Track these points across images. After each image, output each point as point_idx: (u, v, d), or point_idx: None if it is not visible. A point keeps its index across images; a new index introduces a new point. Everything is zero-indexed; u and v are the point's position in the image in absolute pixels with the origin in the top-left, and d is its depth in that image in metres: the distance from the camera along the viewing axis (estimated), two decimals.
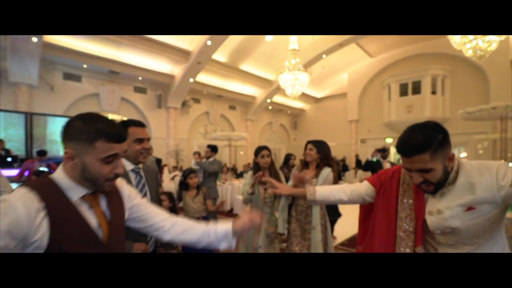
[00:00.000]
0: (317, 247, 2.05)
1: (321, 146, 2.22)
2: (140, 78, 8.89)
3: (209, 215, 2.81)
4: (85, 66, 7.62)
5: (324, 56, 10.04)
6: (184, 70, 8.89)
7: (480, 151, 9.02)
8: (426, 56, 10.70)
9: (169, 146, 10.05)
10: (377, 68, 12.17)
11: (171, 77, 9.36)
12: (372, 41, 10.62)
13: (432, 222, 0.94)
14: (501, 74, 9.15)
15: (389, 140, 11.58)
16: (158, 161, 4.31)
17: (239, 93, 11.77)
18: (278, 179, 2.13)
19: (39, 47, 6.17)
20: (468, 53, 5.03)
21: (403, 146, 0.90)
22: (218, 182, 7.00)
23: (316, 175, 2.16)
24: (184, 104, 10.52)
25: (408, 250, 0.98)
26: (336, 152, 12.84)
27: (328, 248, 2.13)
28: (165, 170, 7.68)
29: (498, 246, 0.94)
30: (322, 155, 2.18)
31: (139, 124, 1.27)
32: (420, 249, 0.97)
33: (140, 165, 1.32)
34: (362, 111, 13.04)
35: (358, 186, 1.19)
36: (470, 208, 0.87)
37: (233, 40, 8.94)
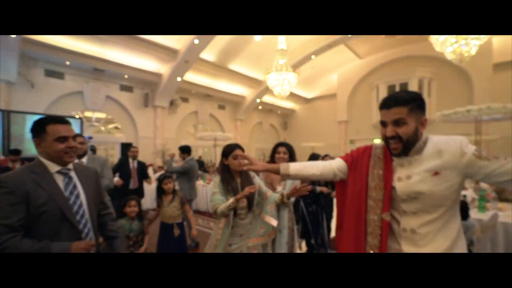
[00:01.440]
0: (281, 250, 2.01)
1: (291, 150, 2.19)
2: (126, 76, 8.72)
3: (184, 221, 2.73)
4: (68, 63, 7.42)
5: (313, 56, 10.06)
6: (171, 69, 8.76)
7: None
8: (413, 59, 10.84)
9: (156, 146, 9.90)
10: (366, 69, 12.27)
11: (158, 75, 9.22)
12: (361, 43, 10.68)
13: (401, 187, 1.00)
14: (484, 77, 9.38)
15: (377, 141, 11.66)
16: (140, 163, 4.21)
17: (228, 93, 11.68)
18: (250, 184, 1.80)
19: (18, 42, 5.97)
20: (449, 56, 5.10)
21: (388, 99, 1.00)
22: (202, 183, 6.95)
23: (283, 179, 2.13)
24: (172, 103, 10.38)
25: (376, 218, 1.04)
26: (325, 153, 12.89)
27: (293, 251, 2.09)
28: (150, 170, 7.55)
29: (455, 222, 1.00)
30: (292, 159, 2.15)
31: (60, 121, 1.15)
32: (386, 216, 1.03)
33: (70, 166, 1.23)
34: (351, 112, 13.12)
35: (331, 162, 1.24)
36: (436, 173, 0.95)
37: (221, 39, 8.87)
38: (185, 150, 4.09)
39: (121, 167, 3.94)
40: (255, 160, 1.28)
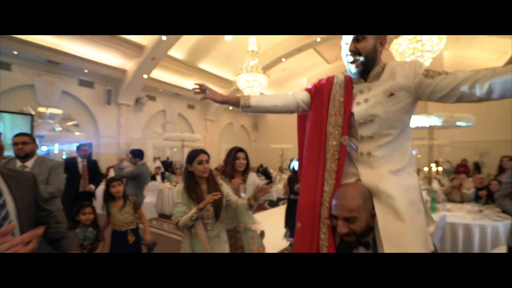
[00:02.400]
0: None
1: (247, 154, 2.20)
2: (86, 70, 8.11)
3: (138, 228, 2.57)
4: (15, 52, 6.70)
5: (283, 59, 10.20)
6: (137, 65, 8.34)
7: (419, 156, 9.97)
8: None
9: (120, 146, 9.35)
10: (334, 74, 12.75)
11: (122, 71, 8.72)
12: (329, 48, 11.06)
13: (359, 111, 1.04)
14: None
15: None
16: (92, 162, 3.89)
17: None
18: (217, 192, 1.70)
19: None
20: None
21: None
22: (169, 185, 6.70)
23: (244, 181, 2.12)
24: (137, 101, 9.89)
25: (335, 143, 1.07)
26: (295, 155, 13.15)
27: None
28: (111, 172, 7.08)
29: (407, 145, 1.06)
30: (248, 162, 2.16)
31: None
32: (344, 140, 1.06)
33: None
34: None
35: (294, 93, 1.21)
36: (391, 94, 0.98)
37: (191, 37, 8.65)
38: (137, 154, 3.81)
39: (68, 168, 3.49)
40: (213, 90, 1.22)
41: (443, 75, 0.90)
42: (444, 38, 5.08)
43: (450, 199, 3.93)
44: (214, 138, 13.52)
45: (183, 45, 8.85)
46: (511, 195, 1.76)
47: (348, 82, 1.11)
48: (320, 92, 1.17)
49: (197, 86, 1.23)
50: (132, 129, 9.85)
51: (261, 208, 7.28)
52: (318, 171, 1.08)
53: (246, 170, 2.17)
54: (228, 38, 9.05)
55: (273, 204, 7.78)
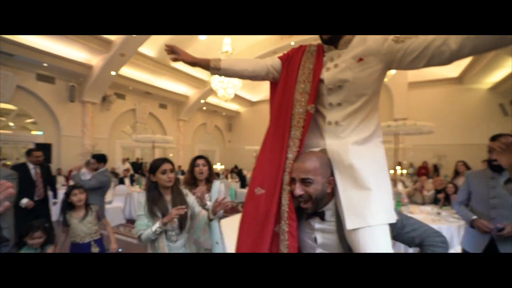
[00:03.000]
0: None
1: (209, 161, 2.16)
2: (45, 64, 7.48)
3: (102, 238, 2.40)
4: None
5: None
6: (104, 61, 7.86)
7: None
8: None
9: (84, 146, 8.76)
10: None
11: (88, 67, 8.17)
12: None
13: (328, 76, 1.03)
14: (401, 93, 10.96)
15: None
16: (45, 167, 3.58)
17: (170, 91, 11.07)
18: (182, 203, 1.67)
19: None
20: None
21: None
22: (139, 189, 6.40)
23: (209, 190, 2.08)
24: (104, 99, 9.35)
25: (301, 110, 1.05)
26: None
27: None
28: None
29: (374, 115, 1.05)
30: (210, 170, 2.12)
31: None
32: (311, 108, 1.05)
33: None
34: None
35: (266, 59, 1.20)
36: (360, 59, 0.97)
37: (163, 35, 8.35)
38: (102, 159, 3.58)
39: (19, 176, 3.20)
40: (182, 50, 1.16)
41: (413, 38, 0.89)
42: None
43: (412, 201, 4.18)
44: (187, 139, 13.21)
45: (155, 42, 8.53)
46: (465, 202, 1.90)
47: (320, 51, 1.11)
48: (291, 59, 1.15)
49: (168, 48, 1.17)
50: (99, 128, 9.29)
51: (234, 210, 7.24)
52: (284, 139, 1.07)
53: (209, 178, 2.13)
54: (202, 37, 8.88)
55: None
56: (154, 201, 1.64)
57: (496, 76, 9.42)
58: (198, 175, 2.08)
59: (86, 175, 3.49)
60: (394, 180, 5.49)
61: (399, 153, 7.54)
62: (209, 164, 2.13)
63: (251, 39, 9.57)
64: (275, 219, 1.03)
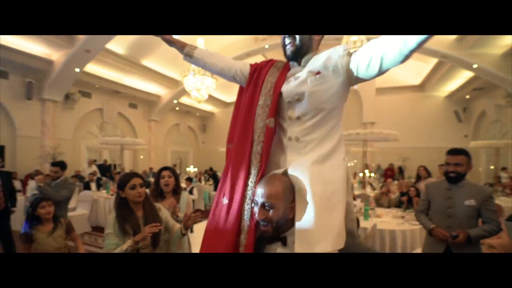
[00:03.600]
0: None
1: (175, 173, 2.13)
2: None
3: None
4: None
5: None
6: (67, 57, 7.32)
7: (355, 160, 11.08)
8: None
9: (44, 148, 8.11)
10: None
11: (47, 62, 7.56)
12: (277, 54, 11.42)
13: (286, 89, 1.05)
14: (369, 99, 11.55)
15: None
16: (6, 175, 3.27)
17: (140, 91, 10.62)
18: (155, 219, 1.60)
19: None
20: None
21: None
22: (106, 194, 6.05)
23: (177, 201, 2.06)
24: (67, 97, 8.73)
25: (261, 124, 1.07)
26: None
27: None
28: (31, 184, 6.01)
29: (336, 132, 1.06)
30: (177, 181, 2.10)
31: None
32: (269, 121, 1.06)
33: None
34: None
35: (237, 62, 1.24)
36: (318, 73, 0.99)
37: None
38: (63, 166, 3.33)
39: None
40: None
41: (363, 47, 0.92)
42: None
43: (379, 204, 4.40)
44: (159, 140, 12.77)
45: (124, 39, 8.12)
46: (426, 211, 2.04)
47: (286, 67, 1.15)
48: (259, 71, 1.17)
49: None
50: (61, 128, 8.65)
51: (208, 214, 7.13)
52: (246, 153, 1.08)
53: (177, 189, 2.11)
54: (175, 36, 8.62)
55: None
56: (124, 219, 1.56)
57: (451, 85, 10.27)
58: (164, 187, 2.05)
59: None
60: (363, 183, 5.75)
61: (368, 155, 7.91)
62: (175, 175, 2.10)
63: (225, 41, 9.49)
64: (237, 230, 1.04)
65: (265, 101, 1.08)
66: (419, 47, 0.78)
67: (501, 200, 5.14)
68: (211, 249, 1.08)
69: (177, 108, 13.26)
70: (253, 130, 1.08)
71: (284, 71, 1.13)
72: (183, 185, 7.06)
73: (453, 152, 1.89)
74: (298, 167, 1.00)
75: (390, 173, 9.71)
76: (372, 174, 8.48)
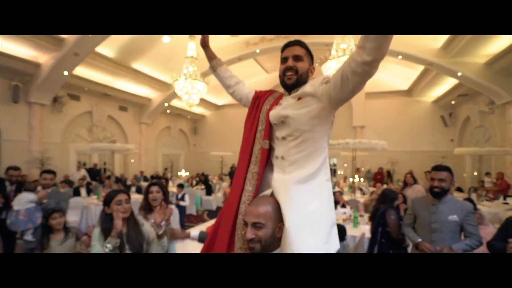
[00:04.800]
0: None
1: (164, 188, 2.21)
2: None
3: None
4: None
5: None
6: (55, 60, 7.18)
7: (345, 164, 11.25)
8: (311, 79, 12.51)
9: (32, 152, 7.92)
10: (273, 83, 13.28)
11: (35, 65, 7.41)
12: (268, 59, 11.52)
13: (272, 113, 1.17)
14: (359, 103, 11.75)
15: None
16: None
17: (131, 94, 10.52)
18: (138, 235, 1.67)
19: None
20: None
21: (292, 41, 1.18)
22: (96, 200, 5.97)
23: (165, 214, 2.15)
24: (56, 100, 8.55)
25: (259, 146, 1.19)
26: (234, 162, 13.28)
27: None
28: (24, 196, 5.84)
29: (319, 155, 1.12)
30: (165, 196, 2.18)
31: None
32: (264, 143, 1.19)
33: None
34: None
35: (247, 87, 1.41)
36: (299, 99, 1.11)
37: (123, 35, 7.91)
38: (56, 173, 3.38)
39: None
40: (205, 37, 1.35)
41: (334, 73, 1.00)
42: None
43: (369, 210, 4.50)
44: (150, 143, 12.65)
45: (114, 42, 8.03)
46: (412, 225, 2.13)
47: (280, 97, 1.27)
48: (259, 99, 1.31)
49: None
50: (49, 132, 8.46)
51: (200, 219, 7.13)
52: (243, 172, 1.18)
53: (165, 202, 2.19)
54: (165, 40, 8.59)
55: (213, 214, 7.70)
56: (109, 233, 1.61)
57: (438, 91, 10.58)
58: (152, 201, 2.15)
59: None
60: (354, 188, 5.85)
61: (358, 159, 8.08)
62: (163, 190, 2.20)
63: (217, 45, 9.49)
64: (230, 242, 1.13)
65: (262, 126, 1.21)
66: (376, 56, 0.81)
67: (484, 205, 5.34)
68: (210, 247, 1.19)
69: (168, 111, 13.17)
70: (251, 152, 1.19)
71: (278, 99, 1.25)
72: (174, 190, 7.04)
73: (437, 168, 1.99)
74: (282, 185, 1.08)
75: (379, 177, 9.92)
76: (362, 180, 8.64)
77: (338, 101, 1.04)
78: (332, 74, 1.06)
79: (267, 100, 1.28)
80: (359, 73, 0.87)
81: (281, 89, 1.27)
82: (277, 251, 1.04)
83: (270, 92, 1.33)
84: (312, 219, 1.02)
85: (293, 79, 1.14)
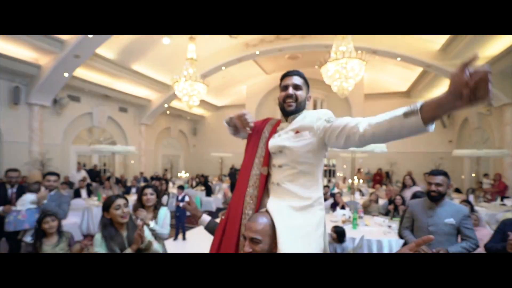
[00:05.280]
0: None
1: (157, 190, 2.34)
2: None
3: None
4: None
5: (223, 67, 10.23)
6: (56, 62, 7.20)
7: (344, 166, 11.29)
8: (310, 80, 12.35)
9: (32, 153, 7.94)
10: (272, 85, 13.35)
11: (35, 67, 7.43)
12: (268, 61, 11.55)
13: (271, 142, 1.23)
14: (358, 104, 11.78)
15: None
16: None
17: (131, 95, 10.54)
18: (138, 237, 1.70)
19: None
20: (335, 89, 6.19)
21: (291, 71, 1.26)
22: (97, 202, 5.98)
23: (155, 217, 2.26)
24: (56, 101, 8.57)
25: (258, 172, 1.25)
26: (234, 163, 13.31)
27: None
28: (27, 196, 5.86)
29: (314, 187, 1.17)
30: (158, 197, 2.32)
31: None
32: (263, 169, 1.24)
33: None
34: None
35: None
36: (297, 132, 1.16)
37: (123, 37, 7.93)
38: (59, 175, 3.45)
39: None
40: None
41: (339, 120, 1.06)
42: (363, 64, 5.92)
43: (368, 211, 4.55)
44: (150, 144, 12.67)
45: (114, 44, 8.05)
46: (410, 228, 2.18)
47: (278, 123, 1.34)
48: (259, 127, 1.37)
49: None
50: (50, 133, 8.49)
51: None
52: (242, 195, 1.23)
53: (157, 205, 2.34)
54: (165, 41, 8.61)
55: (213, 215, 7.73)
56: (112, 238, 1.67)
57: (436, 92, 10.62)
58: (146, 202, 2.28)
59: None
60: (353, 189, 5.89)
61: (357, 160, 8.14)
62: (156, 193, 2.33)
63: (216, 46, 9.53)
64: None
65: (261, 152, 1.27)
66: (375, 141, 0.94)
67: (481, 206, 5.39)
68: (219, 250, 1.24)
69: (168, 112, 13.19)
70: (249, 176, 1.25)
71: (275, 126, 1.32)
72: (174, 191, 7.07)
73: (434, 173, 2.03)
74: (277, 208, 1.12)
75: (378, 178, 9.97)
76: (361, 181, 8.68)
77: (331, 144, 1.11)
78: (334, 117, 1.14)
79: (266, 127, 1.34)
80: (355, 140, 0.96)
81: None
82: None
83: (268, 120, 1.40)
84: (304, 241, 1.06)
85: (293, 106, 1.21)
